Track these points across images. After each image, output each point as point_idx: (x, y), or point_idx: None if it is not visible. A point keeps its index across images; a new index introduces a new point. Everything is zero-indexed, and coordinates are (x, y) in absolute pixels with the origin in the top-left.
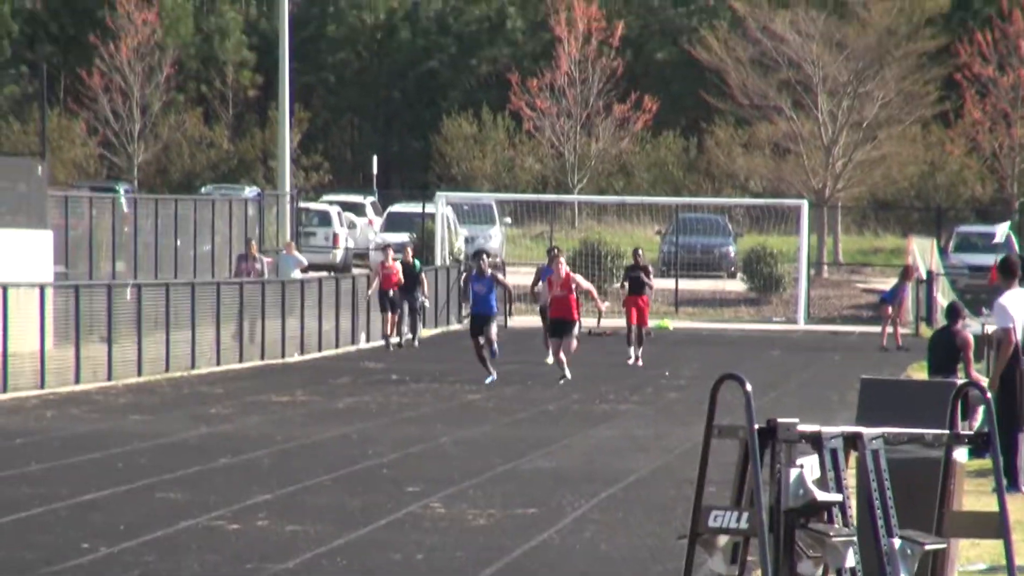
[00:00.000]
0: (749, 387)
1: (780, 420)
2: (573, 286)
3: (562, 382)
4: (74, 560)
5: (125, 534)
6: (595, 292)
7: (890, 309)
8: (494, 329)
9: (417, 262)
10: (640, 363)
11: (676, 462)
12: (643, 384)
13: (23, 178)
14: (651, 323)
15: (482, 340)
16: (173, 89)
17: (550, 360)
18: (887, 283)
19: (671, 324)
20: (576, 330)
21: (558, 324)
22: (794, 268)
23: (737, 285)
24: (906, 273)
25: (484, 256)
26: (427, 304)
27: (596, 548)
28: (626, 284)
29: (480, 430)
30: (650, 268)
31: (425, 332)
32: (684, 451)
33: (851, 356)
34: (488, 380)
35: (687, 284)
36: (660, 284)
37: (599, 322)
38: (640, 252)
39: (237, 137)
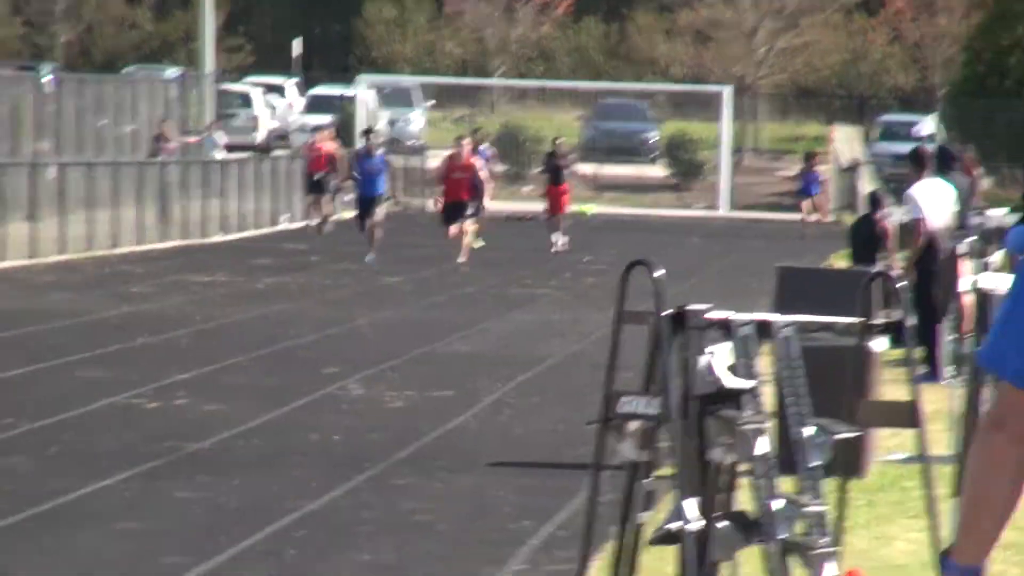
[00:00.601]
0: (659, 272)
1: (689, 307)
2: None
3: (461, 265)
4: None
5: (43, 411)
6: (488, 189)
7: (808, 203)
8: (381, 212)
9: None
10: (566, 248)
11: (592, 347)
12: (561, 269)
13: None
14: (571, 208)
15: (368, 222)
16: None
17: (462, 259)
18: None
19: (590, 209)
20: (472, 211)
21: (453, 207)
22: (716, 155)
23: (658, 171)
24: (810, 159)
25: (371, 134)
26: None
27: (510, 431)
28: (546, 173)
29: (398, 313)
30: (571, 156)
31: (346, 214)
32: (600, 336)
33: (772, 244)
34: (368, 258)
35: (608, 170)
36: (582, 169)
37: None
38: (561, 141)
39: (160, 18)
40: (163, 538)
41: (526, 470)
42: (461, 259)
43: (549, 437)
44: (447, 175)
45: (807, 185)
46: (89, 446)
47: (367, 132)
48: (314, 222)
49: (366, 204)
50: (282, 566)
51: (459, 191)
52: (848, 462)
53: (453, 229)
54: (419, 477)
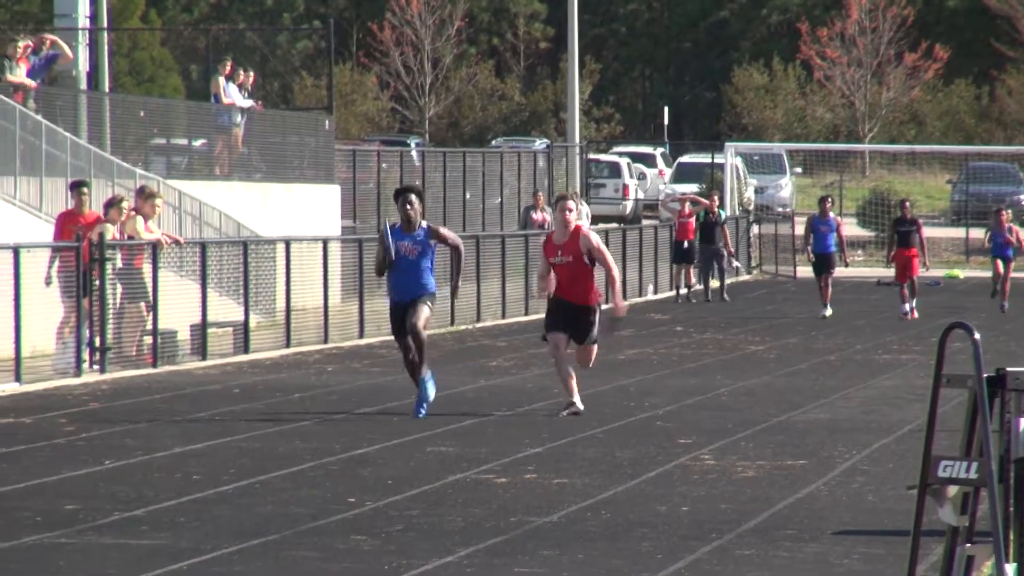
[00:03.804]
0: (977, 336)
1: (1009, 369)
2: (584, 253)
3: (565, 413)
4: (339, 514)
5: (392, 488)
6: (615, 272)
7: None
8: (423, 315)
9: (723, 212)
10: (915, 315)
11: (952, 412)
12: (928, 334)
13: (311, 132)
14: (942, 272)
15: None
16: (464, 42)
17: (575, 401)
18: None
19: (961, 273)
20: (597, 318)
21: (570, 311)
22: None
23: None
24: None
25: (412, 198)
26: (736, 263)
27: (863, 499)
28: (895, 237)
29: (759, 381)
30: (919, 221)
31: (714, 283)
32: (961, 401)
33: None
34: (420, 412)
35: (978, 233)
36: (951, 233)
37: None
38: (908, 204)
39: (529, 89)
40: None
41: (874, 538)
42: (574, 401)
43: (902, 503)
44: (548, 258)
45: (1004, 247)
46: (434, 523)
47: (401, 192)
48: (682, 291)
49: (402, 314)
50: None
51: (576, 288)
52: None
53: (557, 348)
54: (764, 547)
